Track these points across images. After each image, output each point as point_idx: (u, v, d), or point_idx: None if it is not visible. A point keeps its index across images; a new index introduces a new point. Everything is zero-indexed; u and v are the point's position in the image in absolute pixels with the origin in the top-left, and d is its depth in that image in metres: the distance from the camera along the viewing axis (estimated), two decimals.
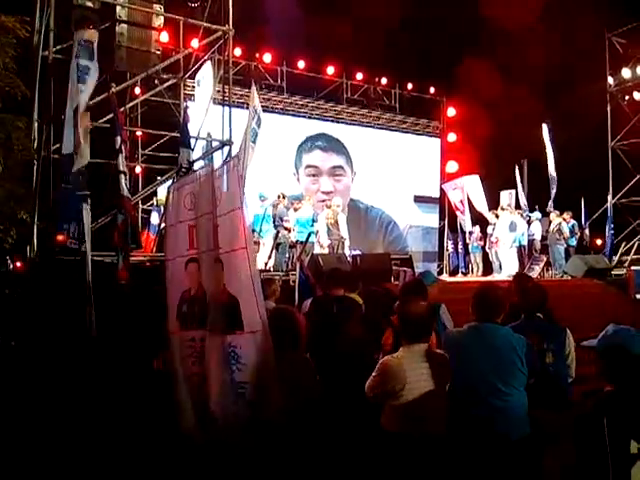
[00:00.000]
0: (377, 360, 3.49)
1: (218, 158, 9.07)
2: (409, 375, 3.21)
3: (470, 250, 14.62)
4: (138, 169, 11.94)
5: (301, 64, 15.44)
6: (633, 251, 13.51)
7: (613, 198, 14.26)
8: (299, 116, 15.60)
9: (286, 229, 10.71)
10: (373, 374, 3.33)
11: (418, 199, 17.41)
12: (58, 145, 6.73)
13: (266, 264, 10.63)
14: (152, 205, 12.21)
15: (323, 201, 13.86)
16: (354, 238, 13.10)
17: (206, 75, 10.38)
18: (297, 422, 3.13)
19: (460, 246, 15.38)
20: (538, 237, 13.19)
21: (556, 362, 3.85)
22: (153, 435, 4.06)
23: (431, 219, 17.74)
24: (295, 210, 11.45)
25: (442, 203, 17.27)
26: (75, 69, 6.19)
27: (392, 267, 9.90)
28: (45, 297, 5.89)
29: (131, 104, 9.96)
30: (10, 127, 7.38)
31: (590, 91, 14.46)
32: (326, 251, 11.02)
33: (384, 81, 16.90)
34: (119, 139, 6.30)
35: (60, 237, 6.11)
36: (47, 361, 5.16)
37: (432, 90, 17.58)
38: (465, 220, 14.68)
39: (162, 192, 10.71)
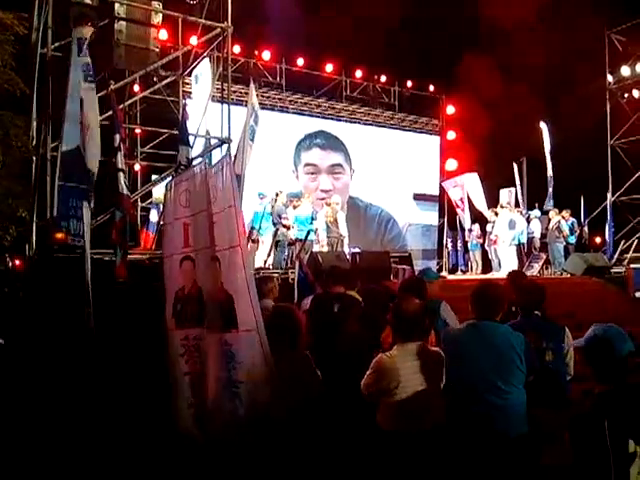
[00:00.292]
0: None
1: (217, 156, 9.05)
2: (402, 373, 3.22)
3: (469, 248, 14.62)
4: (137, 167, 11.94)
5: (300, 61, 15.40)
6: (632, 249, 13.48)
7: (612, 196, 14.25)
8: (298, 114, 15.56)
9: (285, 227, 10.69)
10: (368, 372, 3.34)
11: (417, 197, 17.41)
12: (57, 142, 6.70)
13: (265, 262, 10.63)
14: (151, 203, 12.18)
15: (322, 199, 13.82)
16: (353, 236, 13.07)
17: (204, 72, 10.36)
18: (297, 419, 3.12)
19: (459, 244, 15.41)
20: (537, 235, 13.18)
21: (555, 360, 3.85)
22: (152, 434, 4.06)
23: (430, 217, 17.74)
24: (294, 208, 11.43)
25: (441, 201, 17.28)
26: (79, 67, 6.11)
27: (391, 265, 9.91)
28: (44, 295, 5.88)
29: (130, 101, 9.96)
30: (8, 124, 7.39)
31: (589, 89, 14.43)
32: (325, 249, 11.01)
33: (383, 79, 16.89)
34: (118, 137, 6.27)
35: (59, 235, 6.08)
36: (46, 359, 5.15)
37: (432, 88, 17.57)
38: (465, 218, 14.68)
39: (157, 190, 10.69)
